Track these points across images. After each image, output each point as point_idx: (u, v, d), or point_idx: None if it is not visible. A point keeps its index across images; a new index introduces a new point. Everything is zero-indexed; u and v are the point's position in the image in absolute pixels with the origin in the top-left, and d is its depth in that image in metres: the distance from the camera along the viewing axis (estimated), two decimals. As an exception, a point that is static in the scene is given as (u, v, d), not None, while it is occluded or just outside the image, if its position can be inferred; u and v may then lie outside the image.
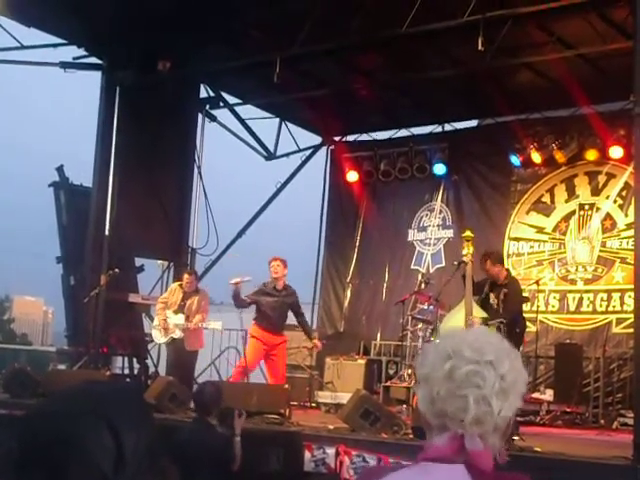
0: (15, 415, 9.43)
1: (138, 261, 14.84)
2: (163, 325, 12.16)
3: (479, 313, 9.46)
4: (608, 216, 14.07)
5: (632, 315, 10.02)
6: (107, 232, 13.70)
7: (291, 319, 12.38)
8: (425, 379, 1.99)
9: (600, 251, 14.05)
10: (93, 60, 14.23)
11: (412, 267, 16.02)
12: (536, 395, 12.52)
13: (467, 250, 9.78)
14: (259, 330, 11.84)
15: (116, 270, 13.07)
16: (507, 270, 10.42)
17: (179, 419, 9.39)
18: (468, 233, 10.07)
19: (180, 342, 12.08)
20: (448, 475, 1.91)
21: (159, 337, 12.26)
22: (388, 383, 12.87)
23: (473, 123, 16.77)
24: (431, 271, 15.51)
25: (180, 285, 12.42)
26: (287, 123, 16.74)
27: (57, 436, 1.32)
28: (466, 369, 1.93)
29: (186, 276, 12.47)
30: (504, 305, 9.80)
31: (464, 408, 1.91)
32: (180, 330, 12.05)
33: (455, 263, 10.29)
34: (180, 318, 12.10)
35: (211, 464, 6.43)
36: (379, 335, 15.54)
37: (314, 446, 8.41)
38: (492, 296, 9.90)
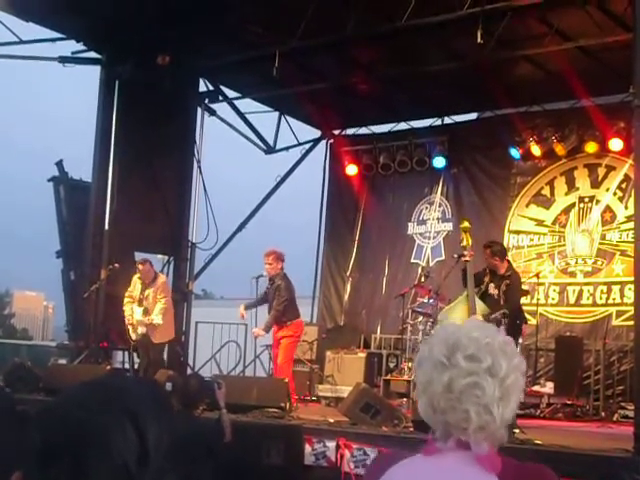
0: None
1: (138, 255, 14.80)
2: (129, 321, 12.20)
3: (481, 309, 9.36)
4: (608, 208, 14.07)
5: (632, 307, 10.02)
6: (107, 227, 13.70)
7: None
8: (424, 390, 1.99)
9: (600, 244, 14.04)
10: (92, 55, 14.22)
11: (412, 260, 16.02)
12: (536, 388, 12.54)
13: (465, 241, 9.62)
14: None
15: (116, 265, 13.07)
16: (508, 262, 10.31)
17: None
18: (466, 224, 9.92)
19: (147, 337, 12.12)
20: (460, 460, 1.92)
21: (132, 334, 12.26)
22: (388, 376, 12.87)
23: (473, 116, 16.75)
24: (431, 264, 15.51)
25: (139, 277, 12.35)
26: (286, 117, 16.72)
27: (80, 429, 1.32)
28: (464, 382, 1.93)
29: (139, 267, 12.35)
30: (506, 297, 9.72)
31: (466, 419, 1.92)
32: (142, 326, 12.08)
33: (455, 256, 10.19)
34: (140, 313, 12.12)
35: (201, 456, 6.40)
36: (379, 328, 15.54)
37: (314, 439, 8.42)
38: (492, 286, 9.81)
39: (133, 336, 12.25)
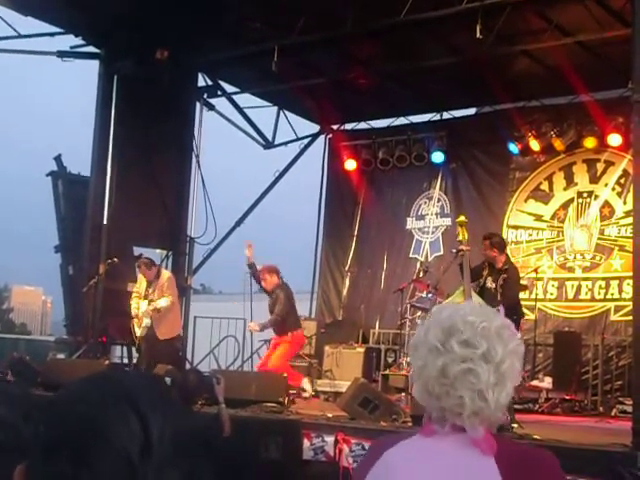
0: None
1: (136, 250, 14.82)
2: (135, 315, 12.24)
3: (477, 302, 9.34)
4: (606, 204, 14.06)
5: (630, 303, 10.02)
6: (105, 221, 13.68)
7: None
8: (419, 374, 1.98)
9: (598, 239, 14.04)
10: (91, 49, 14.20)
11: (410, 255, 16.02)
12: (535, 383, 12.54)
13: (462, 236, 9.54)
14: None
15: (114, 259, 13.07)
16: (507, 256, 10.30)
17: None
18: (462, 218, 9.81)
19: (152, 331, 12.12)
20: (457, 443, 1.93)
21: (137, 330, 12.26)
22: (387, 371, 12.88)
23: (471, 111, 16.74)
24: (429, 259, 15.50)
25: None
26: (285, 112, 16.70)
27: (84, 421, 1.32)
28: (459, 368, 1.92)
29: (137, 270, 12.49)
30: (502, 291, 9.72)
31: (460, 404, 1.91)
32: (148, 317, 12.09)
33: (453, 251, 10.17)
34: (145, 304, 12.15)
35: (199, 450, 6.40)
36: (378, 323, 15.55)
37: (313, 434, 8.42)
38: (490, 280, 9.80)
39: (138, 332, 12.22)
